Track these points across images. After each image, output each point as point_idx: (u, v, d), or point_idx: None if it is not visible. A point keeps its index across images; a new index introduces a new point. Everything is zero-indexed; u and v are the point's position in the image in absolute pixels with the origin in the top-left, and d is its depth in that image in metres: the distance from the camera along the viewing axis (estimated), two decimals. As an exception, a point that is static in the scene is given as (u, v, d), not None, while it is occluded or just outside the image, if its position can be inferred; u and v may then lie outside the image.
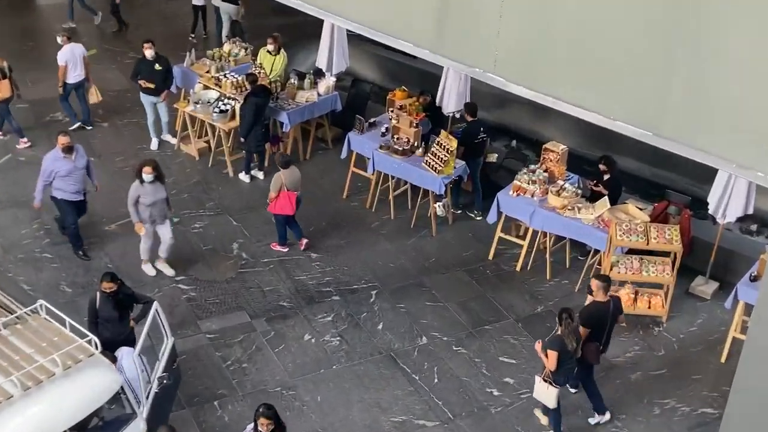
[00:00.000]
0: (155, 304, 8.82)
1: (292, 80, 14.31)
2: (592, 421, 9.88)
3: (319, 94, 14.20)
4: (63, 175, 11.21)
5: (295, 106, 13.93)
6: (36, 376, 7.57)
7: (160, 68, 13.89)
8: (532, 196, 11.85)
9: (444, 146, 12.29)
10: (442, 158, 12.27)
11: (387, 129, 13.17)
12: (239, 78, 13.96)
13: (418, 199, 12.86)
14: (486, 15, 6.53)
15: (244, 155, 13.82)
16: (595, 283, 9.57)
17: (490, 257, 12.33)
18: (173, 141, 14.55)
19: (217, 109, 13.65)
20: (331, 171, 13.98)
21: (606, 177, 11.93)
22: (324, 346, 10.63)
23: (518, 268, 12.13)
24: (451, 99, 13.52)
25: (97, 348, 8.00)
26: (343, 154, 13.43)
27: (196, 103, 13.91)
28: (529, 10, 6.35)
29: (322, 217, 13.00)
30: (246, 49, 15.14)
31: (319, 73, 14.44)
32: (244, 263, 11.93)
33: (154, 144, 14.50)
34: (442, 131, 12.68)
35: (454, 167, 12.42)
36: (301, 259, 12.08)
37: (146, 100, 14.13)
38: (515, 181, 12.04)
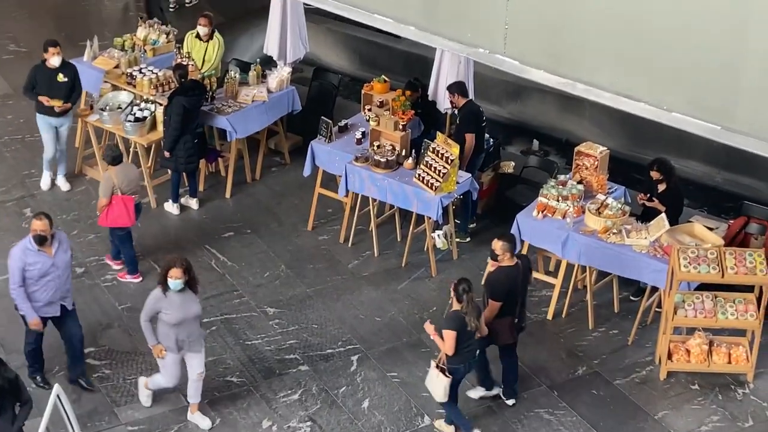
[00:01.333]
0: (57, 388, 8.73)
1: (232, 73, 14.37)
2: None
3: (269, 91, 14.24)
4: (35, 278, 10.26)
5: (237, 107, 13.97)
6: None
7: (65, 79, 13.65)
8: (564, 216, 11.83)
9: (442, 154, 12.27)
10: (440, 171, 12.24)
11: (364, 134, 13.17)
12: (160, 73, 13.95)
13: (411, 228, 12.85)
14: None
15: (170, 177, 13.80)
16: (499, 245, 10.33)
17: (511, 303, 12.30)
18: (65, 187, 14.29)
19: (131, 117, 13.64)
20: (291, 194, 14.06)
21: (662, 188, 11.91)
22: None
23: (550, 316, 12.12)
24: (445, 91, 13.53)
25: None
26: (306, 171, 13.44)
27: (103, 109, 13.90)
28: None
29: (281, 257, 13.02)
30: (168, 34, 15.20)
31: (268, 63, 14.44)
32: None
33: (45, 181, 14.31)
34: (439, 134, 12.65)
35: (457, 182, 12.39)
36: (254, 317, 12.07)
37: (45, 123, 13.81)
38: (540, 198, 12.03)
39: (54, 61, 13.43)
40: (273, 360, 11.48)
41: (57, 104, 13.40)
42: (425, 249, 12.81)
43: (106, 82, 14.33)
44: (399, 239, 13.06)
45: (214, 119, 13.75)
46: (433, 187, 12.26)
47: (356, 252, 13.14)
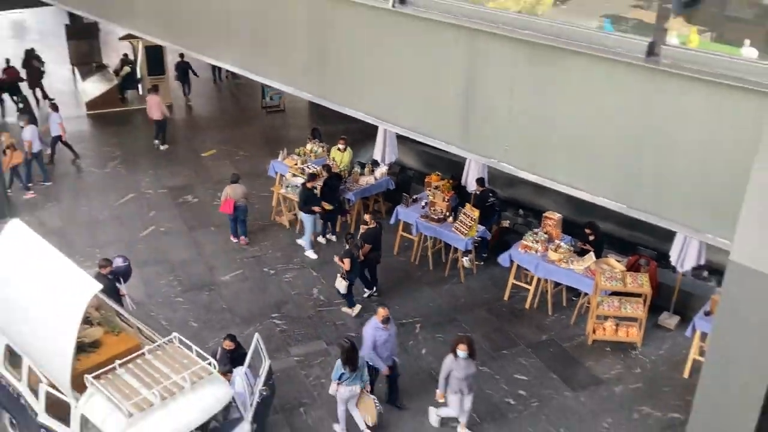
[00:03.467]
0: (256, 335, 8.86)
1: (356, 169, 14.47)
2: (365, 294, 11.93)
3: (375, 179, 14.30)
4: (381, 344, 9.32)
5: (358, 187, 14.06)
6: (171, 389, 7.63)
7: (317, 190, 12.93)
8: (536, 252, 11.75)
9: (468, 215, 12.30)
10: (467, 224, 12.26)
11: (426, 203, 13.20)
12: (318, 168, 14.17)
13: (450, 255, 12.81)
14: (498, 119, 6.60)
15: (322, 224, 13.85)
16: (367, 216, 11.85)
17: (505, 298, 12.18)
18: (313, 256, 13.17)
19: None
20: (385, 234, 13.88)
21: (591, 238, 11.79)
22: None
23: (527, 306, 11.96)
24: (473, 180, 13.56)
25: (214, 369, 8.06)
26: (393, 221, 13.45)
27: (287, 186, 14.12)
28: (529, 114, 6.41)
29: (379, 268, 12.90)
30: (322, 147, 15.30)
31: (375, 163, 14.60)
32: (321, 304, 11.93)
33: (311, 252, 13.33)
34: (467, 204, 12.68)
35: (477, 231, 12.40)
36: (364, 300, 12.06)
37: (311, 219, 13.01)
38: (523, 241, 11.95)
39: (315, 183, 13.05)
40: (374, 325, 11.51)
41: (329, 207, 12.98)
42: (458, 266, 12.80)
43: (289, 171, 14.41)
44: (444, 261, 13.04)
45: (346, 193, 13.91)
46: (463, 233, 12.28)
47: (420, 267, 13.07)
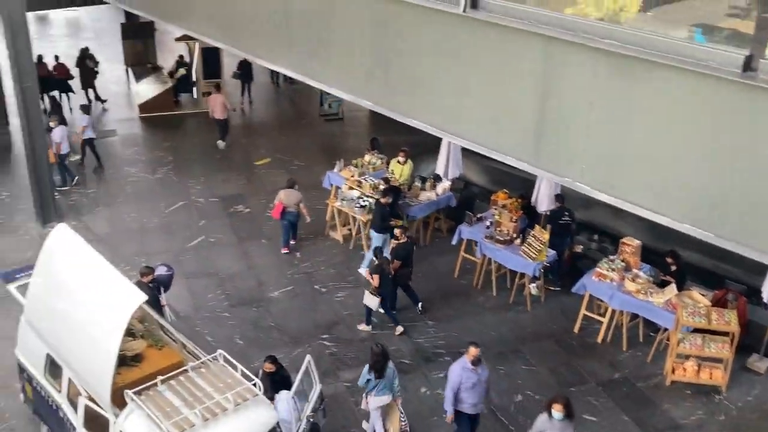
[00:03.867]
0: (308, 357, 8.91)
1: (416, 183, 14.49)
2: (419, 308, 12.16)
3: (437, 194, 14.28)
4: (468, 388, 8.92)
5: (418, 203, 14.06)
6: (213, 410, 7.69)
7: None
8: (612, 281, 11.50)
9: (538, 238, 12.14)
10: (536, 248, 12.11)
11: (491, 223, 13.10)
12: (376, 181, 14.25)
13: (516, 280, 12.66)
14: (575, 135, 6.51)
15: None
16: (398, 231, 11.98)
17: (576, 330, 11.95)
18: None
19: (357, 205, 13.94)
20: (445, 254, 13.90)
21: (673, 268, 11.48)
22: (437, 398, 10.42)
23: (599, 340, 11.70)
24: (543, 200, 13.41)
25: (260, 390, 8.14)
26: (454, 241, 13.37)
27: (343, 199, 14.25)
28: (609, 130, 6.30)
29: (438, 291, 12.93)
30: (381, 159, 15.39)
31: (437, 178, 14.59)
32: (374, 326, 11.93)
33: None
34: (537, 226, 12.53)
35: (547, 255, 12.22)
36: (419, 325, 12.02)
37: (383, 238, 12.91)
38: (597, 268, 11.73)
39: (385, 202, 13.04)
40: (429, 352, 11.43)
41: (399, 223, 12.92)
42: (524, 294, 12.63)
43: (345, 184, 14.58)
44: (509, 286, 12.89)
45: (406, 208, 13.95)
46: (532, 257, 12.13)
47: (482, 292, 12.96)
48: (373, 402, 9.21)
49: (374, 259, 11.68)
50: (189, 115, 20.92)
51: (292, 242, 14.00)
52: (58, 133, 15.80)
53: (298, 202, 13.67)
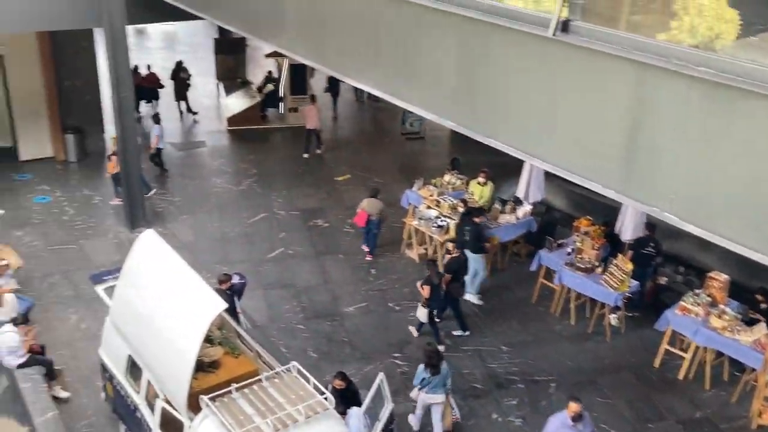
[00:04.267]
0: (381, 375, 8.92)
1: (496, 205, 14.36)
2: (455, 332, 12.05)
3: (517, 218, 14.10)
4: None
5: (497, 225, 13.91)
6: (284, 421, 7.75)
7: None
8: (696, 316, 11.07)
9: (620, 268, 11.82)
10: (618, 277, 11.79)
11: (572, 249, 12.84)
12: (455, 201, 14.19)
13: (596, 310, 12.35)
14: (665, 164, 6.34)
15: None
16: (451, 245, 12.07)
17: (656, 365, 11.55)
18: (477, 301, 13.03)
19: (435, 225, 13.91)
20: (523, 280, 13.69)
21: (763, 306, 10.96)
22: (508, 425, 10.28)
23: (681, 376, 11.27)
24: (628, 228, 13.06)
25: (331, 404, 8.18)
26: (533, 267, 13.17)
27: (420, 218, 14.25)
28: (702, 160, 6.10)
29: (514, 316, 12.76)
30: (461, 180, 15.32)
31: (518, 201, 14.43)
32: (447, 348, 11.84)
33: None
34: (620, 255, 12.21)
35: (629, 286, 11.88)
36: (494, 350, 11.86)
37: (483, 260, 12.93)
38: (682, 302, 11.32)
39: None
40: (502, 378, 11.26)
41: (495, 242, 13.37)
42: (604, 324, 12.30)
43: (423, 203, 14.55)
44: (588, 315, 12.58)
45: (488, 230, 13.78)
46: (613, 287, 11.81)
47: (561, 320, 12.70)
48: (426, 398, 9.53)
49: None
50: (275, 129, 21.44)
51: (369, 254, 14.13)
52: (157, 129, 17.09)
53: (381, 210, 14.02)
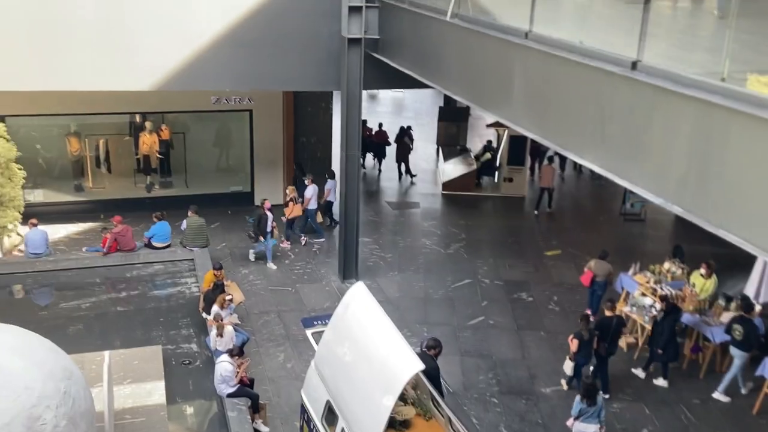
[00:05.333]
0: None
1: (720, 301, 13.28)
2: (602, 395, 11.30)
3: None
4: None
5: (719, 324, 12.80)
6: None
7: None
8: None
9: None
10: None
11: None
12: (673, 291, 13.34)
13: None
14: None
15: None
16: (606, 305, 12.16)
17: None
18: (724, 399, 12.29)
19: (648, 314, 13.16)
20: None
21: None
22: None
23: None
24: None
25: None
26: (759, 372, 11.80)
27: (633, 305, 13.56)
28: None
29: (733, 428, 11.61)
30: (683, 269, 14.40)
31: (745, 300, 13.24)
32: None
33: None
34: None
35: None
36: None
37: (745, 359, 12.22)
38: None
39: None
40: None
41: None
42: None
43: (638, 289, 13.86)
44: None
45: (703, 328, 12.83)
46: None
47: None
48: (580, 428, 10.19)
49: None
50: (488, 197, 21.70)
51: (593, 316, 13.66)
52: (310, 190, 17.63)
53: (608, 273, 13.96)
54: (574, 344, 11.76)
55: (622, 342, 13.67)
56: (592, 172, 22.10)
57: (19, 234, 15.24)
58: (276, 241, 16.72)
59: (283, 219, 17.52)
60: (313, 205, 17.74)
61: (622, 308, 13.74)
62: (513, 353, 13.47)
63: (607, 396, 11.98)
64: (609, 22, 10.00)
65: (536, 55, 9.18)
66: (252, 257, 16.63)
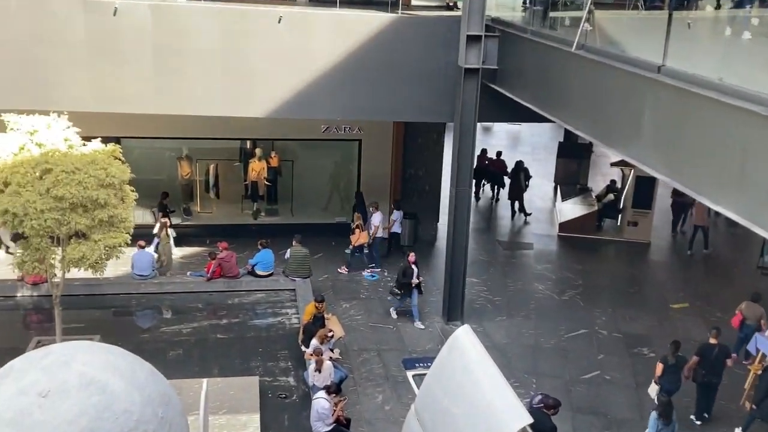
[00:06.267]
0: None
1: None
2: (693, 418, 12.54)
3: None
4: None
5: None
6: None
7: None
8: None
9: None
10: None
11: None
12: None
13: None
14: None
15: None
16: (713, 333, 12.38)
17: None
18: None
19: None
20: None
21: None
22: None
23: None
24: None
25: None
26: None
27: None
28: None
29: None
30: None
31: None
32: None
33: None
34: None
35: None
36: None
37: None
38: None
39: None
40: None
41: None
42: None
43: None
44: None
45: None
46: None
47: None
48: None
49: None
50: (609, 241, 21.09)
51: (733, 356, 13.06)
52: (377, 218, 17.95)
53: (760, 317, 13.67)
54: (659, 369, 12.17)
55: (747, 405, 12.88)
56: (727, 218, 21.30)
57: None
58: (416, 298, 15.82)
59: (349, 248, 18.06)
60: (381, 233, 18.13)
61: (757, 370, 12.94)
62: (631, 413, 12.92)
63: (697, 423, 12.51)
64: (752, 56, 9.63)
65: (669, 91, 8.94)
66: (394, 314, 15.87)
